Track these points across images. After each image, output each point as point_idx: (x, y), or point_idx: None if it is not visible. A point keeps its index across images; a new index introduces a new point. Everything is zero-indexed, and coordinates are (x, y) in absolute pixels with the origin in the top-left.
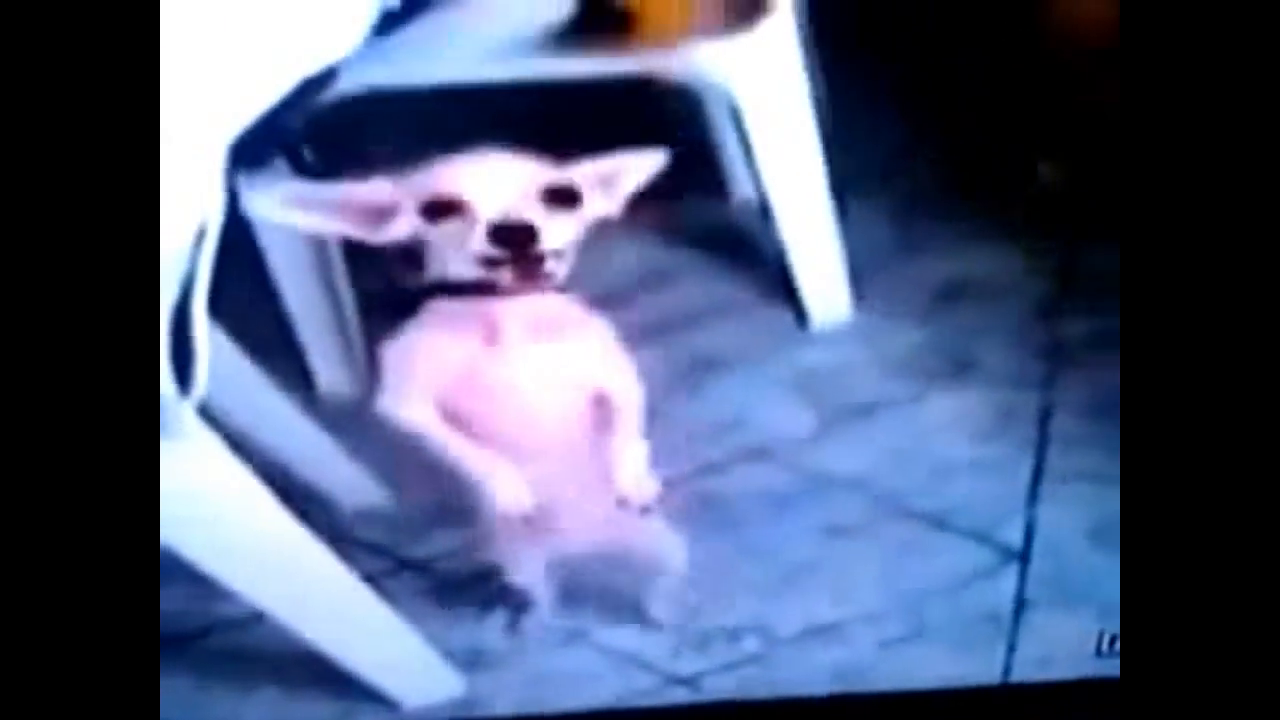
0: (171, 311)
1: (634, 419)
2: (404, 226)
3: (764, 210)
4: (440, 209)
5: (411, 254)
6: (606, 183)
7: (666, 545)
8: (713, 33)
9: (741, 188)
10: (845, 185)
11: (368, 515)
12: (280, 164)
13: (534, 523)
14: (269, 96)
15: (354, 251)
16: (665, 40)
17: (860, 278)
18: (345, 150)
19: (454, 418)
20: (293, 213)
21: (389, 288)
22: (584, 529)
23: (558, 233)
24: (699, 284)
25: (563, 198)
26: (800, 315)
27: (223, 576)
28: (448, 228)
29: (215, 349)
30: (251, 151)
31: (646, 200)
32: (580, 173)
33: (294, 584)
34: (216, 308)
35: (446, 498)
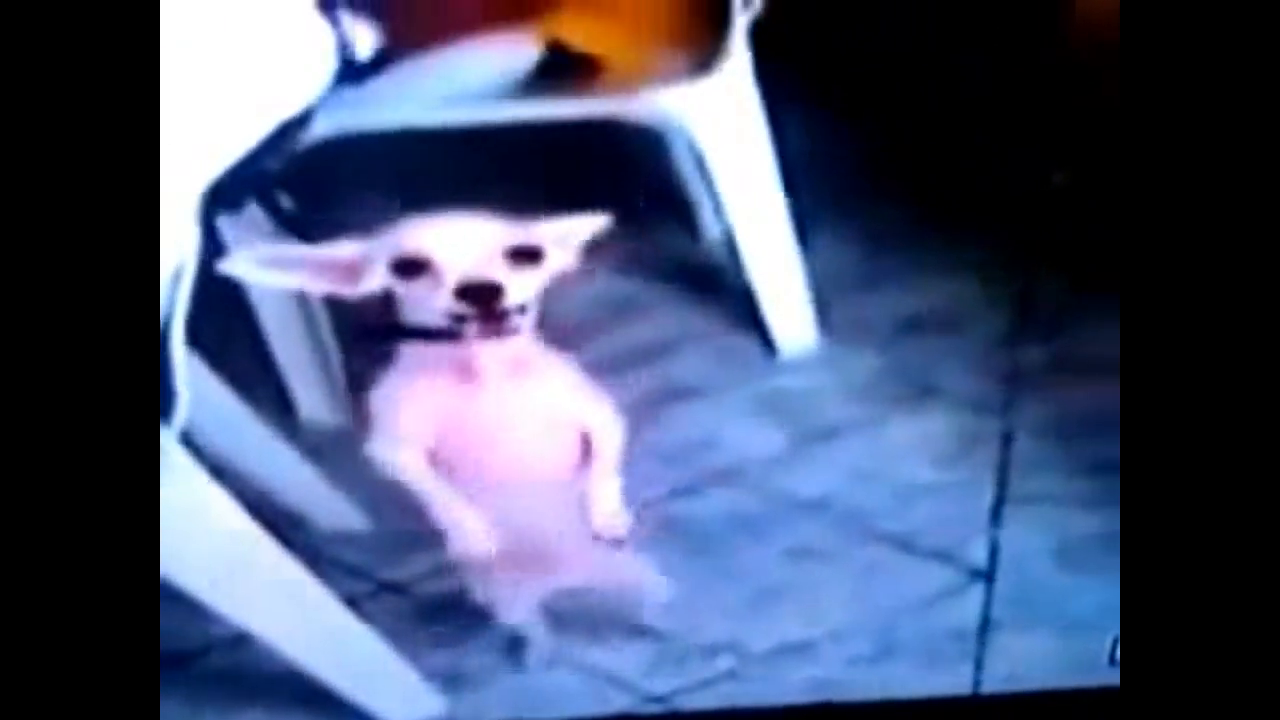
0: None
1: (612, 454)
2: (375, 281)
3: (730, 245)
4: (409, 267)
5: (387, 302)
6: (562, 240)
7: (647, 576)
8: (672, 77)
9: (709, 223)
10: (808, 218)
11: (345, 538)
12: (253, 209)
13: (504, 562)
14: (246, 140)
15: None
16: (626, 85)
17: (824, 307)
18: (320, 195)
19: (440, 458)
20: (269, 273)
21: (364, 328)
22: (568, 561)
23: (521, 288)
24: (670, 315)
25: (525, 256)
26: (768, 344)
27: (206, 598)
28: (417, 286)
29: (196, 378)
30: (228, 194)
31: (619, 238)
32: (538, 231)
33: (276, 606)
34: (197, 337)
35: (424, 524)
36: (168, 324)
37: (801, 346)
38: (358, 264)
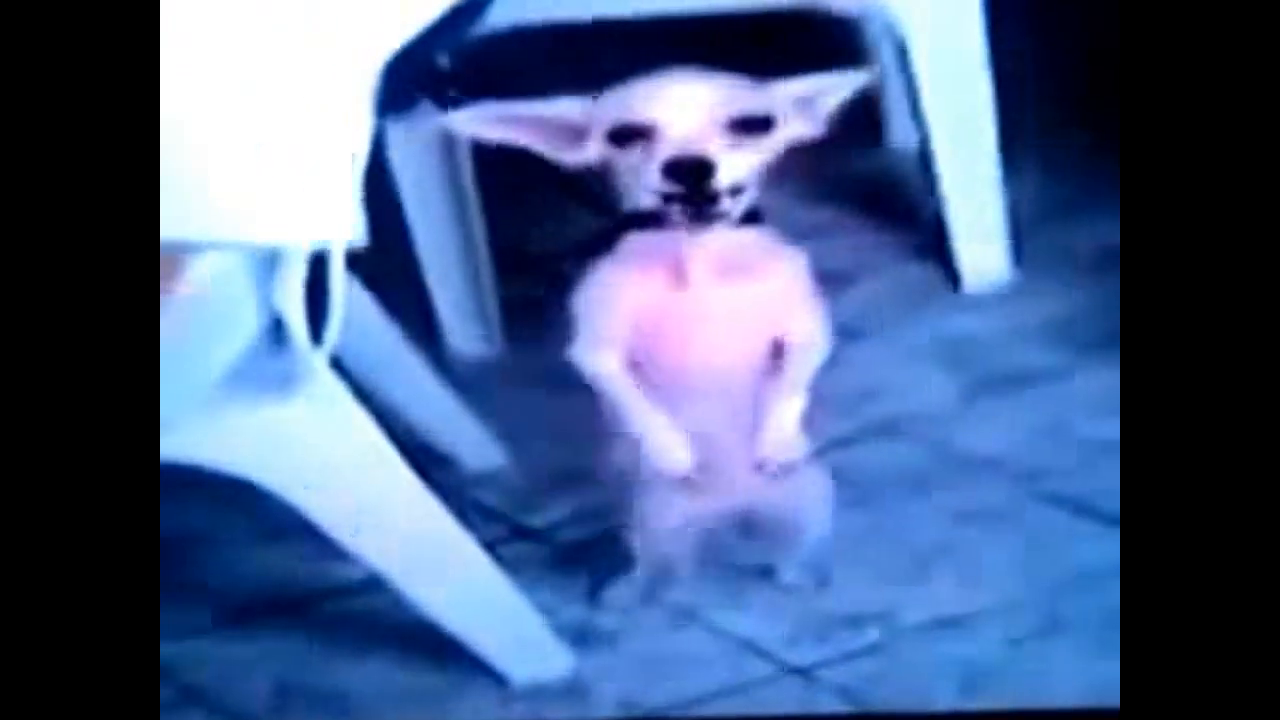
0: (310, 256)
1: (804, 372)
2: (593, 150)
3: (923, 159)
4: (627, 134)
5: (604, 182)
6: (806, 103)
7: (813, 510)
8: None
9: (897, 135)
10: (1014, 133)
11: (485, 479)
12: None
13: (688, 484)
14: (419, 17)
15: (494, 205)
16: None
17: (1019, 237)
18: (489, 95)
19: (634, 361)
20: (491, 127)
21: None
22: (733, 486)
23: (737, 165)
24: (845, 238)
25: (753, 125)
26: (951, 277)
27: (343, 535)
28: (631, 156)
29: (349, 298)
30: (397, 88)
31: (794, 146)
32: (777, 94)
33: (415, 546)
34: (349, 257)
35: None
36: None
37: (990, 280)
38: (577, 125)
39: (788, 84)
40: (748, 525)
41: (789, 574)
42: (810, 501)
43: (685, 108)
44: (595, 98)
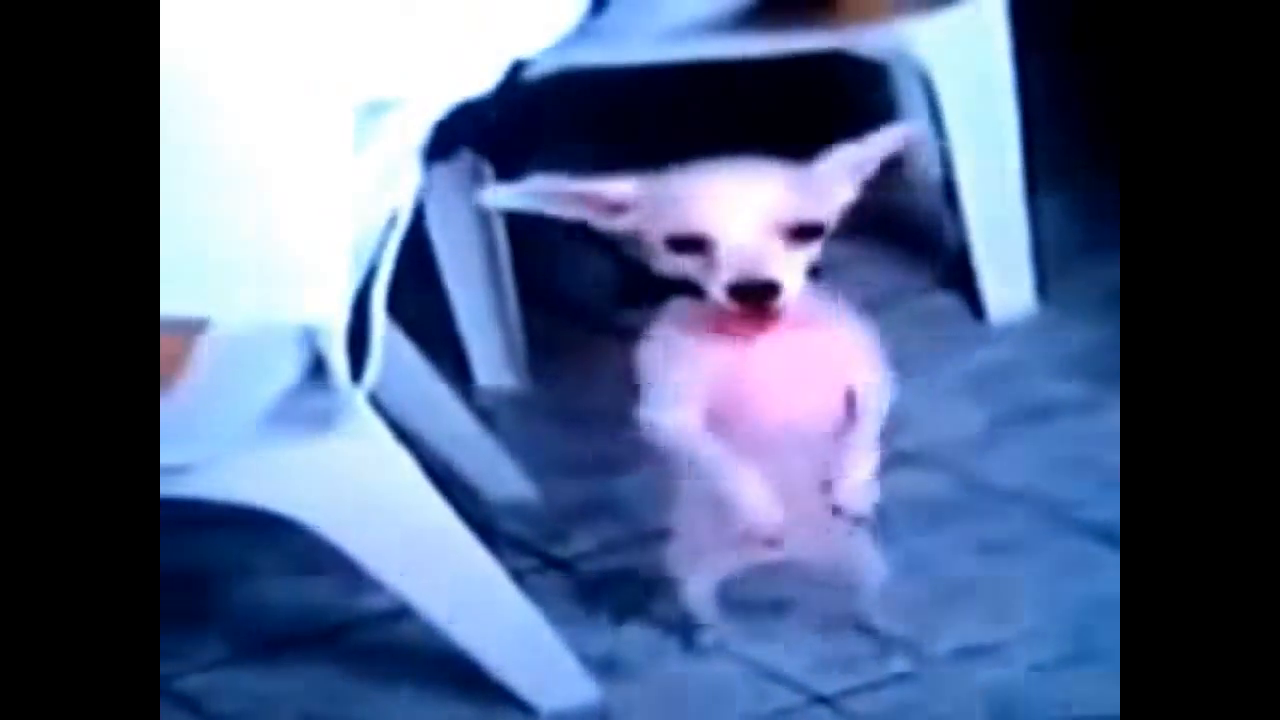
0: (354, 297)
1: (875, 421)
2: (651, 247)
3: (949, 193)
4: (684, 245)
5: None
6: (856, 169)
7: (869, 562)
8: (911, 7)
9: (922, 168)
10: (1038, 171)
11: (513, 510)
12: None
13: (774, 540)
14: (482, 78)
15: (520, 246)
16: (859, 16)
17: (1044, 271)
18: (527, 140)
19: (715, 418)
20: (536, 202)
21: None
22: (806, 539)
23: (796, 272)
24: (871, 271)
25: (808, 233)
26: (977, 309)
27: (379, 568)
28: (692, 263)
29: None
30: (445, 138)
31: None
32: (828, 171)
33: (448, 579)
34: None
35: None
36: (372, 274)
37: (1016, 313)
38: (628, 204)
39: (842, 153)
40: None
41: (812, 618)
42: (855, 553)
43: (740, 216)
44: (642, 179)
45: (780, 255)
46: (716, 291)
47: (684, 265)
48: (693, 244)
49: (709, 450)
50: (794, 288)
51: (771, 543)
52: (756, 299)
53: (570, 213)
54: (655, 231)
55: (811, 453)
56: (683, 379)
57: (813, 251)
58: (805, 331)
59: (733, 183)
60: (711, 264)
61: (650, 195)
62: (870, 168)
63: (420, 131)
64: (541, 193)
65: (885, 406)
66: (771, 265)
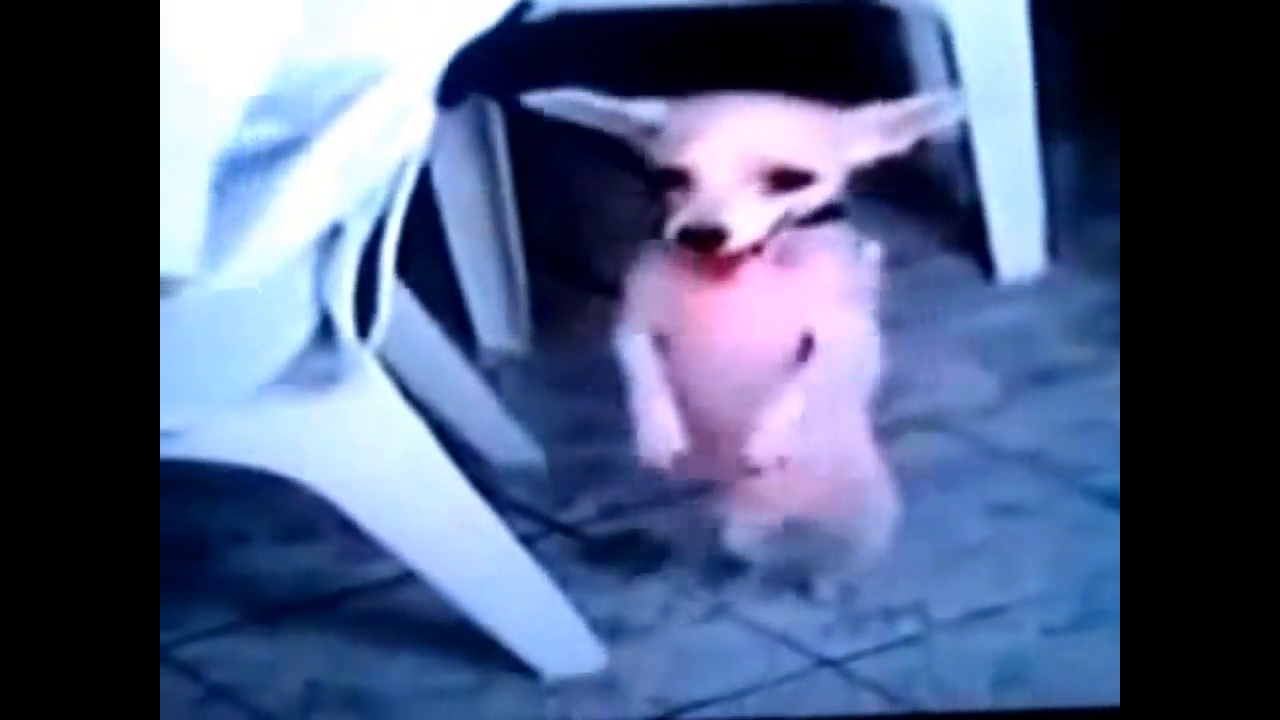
0: (361, 251)
1: (822, 370)
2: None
3: (962, 148)
4: (670, 177)
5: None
6: (892, 128)
7: (871, 531)
8: None
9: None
10: (1053, 125)
11: (519, 474)
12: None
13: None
14: (488, 14)
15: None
16: None
17: (1055, 229)
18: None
19: (669, 344)
20: (575, 113)
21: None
22: (811, 500)
23: (759, 222)
24: (878, 229)
25: (790, 180)
26: (986, 268)
27: (382, 530)
28: (670, 197)
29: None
30: (453, 83)
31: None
32: (850, 122)
33: (454, 541)
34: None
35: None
36: (382, 226)
37: (1026, 272)
38: (654, 130)
39: (874, 111)
40: (799, 536)
41: (825, 591)
42: (872, 522)
43: (726, 154)
44: (673, 102)
45: (748, 200)
46: (670, 232)
47: (667, 199)
48: (675, 178)
49: (639, 372)
50: (750, 234)
51: (677, 470)
52: (701, 244)
53: (607, 128)
54: (652, 169)
55: (754, 394)
56: (640, 305)
57: (801, 200)
58: (772, 271)
59: (724, 119)
60: (685, 200)
61: (681, 117)
62: (906, 136)
63: (427, 77)
64: (579, 106)
65: (846, 363)
66: (726, 211)
